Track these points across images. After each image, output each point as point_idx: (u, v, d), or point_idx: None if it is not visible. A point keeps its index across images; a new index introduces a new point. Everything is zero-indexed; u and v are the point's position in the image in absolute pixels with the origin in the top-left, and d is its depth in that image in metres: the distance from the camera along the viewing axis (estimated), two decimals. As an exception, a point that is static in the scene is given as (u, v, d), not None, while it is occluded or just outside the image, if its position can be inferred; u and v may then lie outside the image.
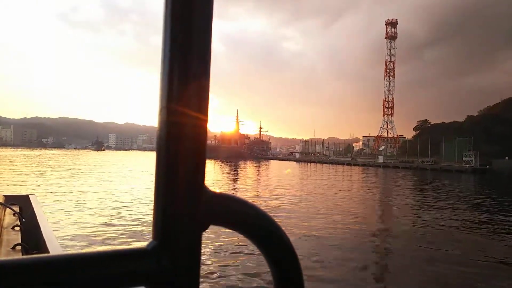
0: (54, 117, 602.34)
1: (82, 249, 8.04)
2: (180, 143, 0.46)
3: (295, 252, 0.56)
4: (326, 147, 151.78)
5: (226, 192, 0.52)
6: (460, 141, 75.64)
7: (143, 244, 0.46)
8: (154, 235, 0.47)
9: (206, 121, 0.47)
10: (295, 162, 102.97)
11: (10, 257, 0.40)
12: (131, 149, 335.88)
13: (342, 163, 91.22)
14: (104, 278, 0.43)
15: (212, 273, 7.79)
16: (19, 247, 2.55)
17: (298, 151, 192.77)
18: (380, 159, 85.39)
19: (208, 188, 0.49)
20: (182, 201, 0.46)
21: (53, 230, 3.14)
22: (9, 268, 0.39)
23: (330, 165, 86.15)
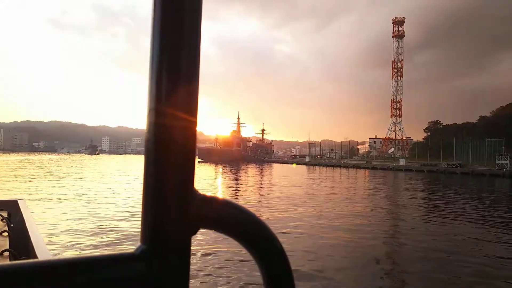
0: (45, 120, 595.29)
1: (72, 255, 7.36)
2: (169, 145, 0.45)
3: (286, 256, 0.55)
4: (331, 150, 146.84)
5: (216, 195, 0.51)
6: (490, 142, 70.81)
7: (131, 248, 0.45)
8: (142, 239, 0.46)
9: (195, 123, 0.46)
10: (304, 166, 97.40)
11: None
12: (125, 152, 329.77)
13: (358, 167, 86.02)
14: (92, 283, 0.42)
15: (202, 276, 7.70)
16: (6, 253, 2.51)
17: (296, 153, 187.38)
18: (402, 162, 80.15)
19: (197, 191, 0.48)
20: (171, 204, 0.45)
21: (43, 236, 3.03)
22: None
23: (343, 169, 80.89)
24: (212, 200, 0.50)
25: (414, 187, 36.98)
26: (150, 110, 0.45)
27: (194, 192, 0.47)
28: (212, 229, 0.50)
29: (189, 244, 0.47)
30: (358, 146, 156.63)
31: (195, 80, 0.46)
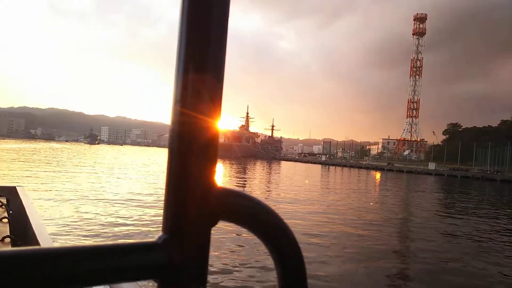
0: (42, 107, 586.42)
1: (75, 242, 8.45)
2: (192, 140, 0.46)
3: (300, 252, 0.56)
4: (342, 149, 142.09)
5: (236, 189, 0.52)
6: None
7: (153, 237, 0.47)
8: (164, 229, 0.48)
9: (218, 119, 0.48)
10: (320, 165, 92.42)
11: (27, 247, 0.40)
12: (125, 143, 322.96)
13: (382, 168, 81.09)
14: (114, 270, 0.44)
15: (219, 267, 7.87)
16: (8, 240, 2.54)
17: (298, 151, 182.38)
18: (431, 166, 75.33)
19: (218, 185, 0.49)
20: (193, 197, 0.47)
21: (43, 222, 3.07)
22: (27, 259, 0.38)
23: (363, 170, 76.03)
24: (232, 194, 0.51)
25: (460, 196, 32.00)
26: (175, 106, 0.47)
27: (215, 185, 0.49)
28: (231, 222, 0.52)
29: (209, 235, 0.48)
30: (369, 147, 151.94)
31: (220, 77, 0.47)
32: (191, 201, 0.47)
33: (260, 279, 7.36)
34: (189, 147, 0.46)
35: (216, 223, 0.49)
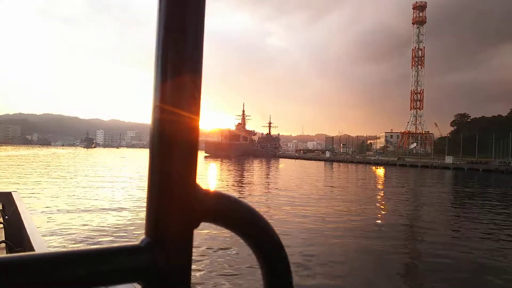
0: (38, 113, 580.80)
1: (69, 247, 8.31)
2: (173, 141, 0.46)
3: (284, 251, 0.56)
4: (343, 145, 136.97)
5: (218, 190, 0.52)
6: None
7: (136, 241, 0.46)
8: (147, 232, 0.47)
9: (198, 119, 0.47)
10: (324, 162, 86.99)
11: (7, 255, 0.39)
12: (120, 146, 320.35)
13: (393, 164, 75.59)
14: (98, 275, 0.43)
15: (203, 268, 7.76)
16: (3, 245, 2.58)
17: (293, 147, 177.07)
18: (448, 160, 69.83)
19: (200, 186, 0.49)
20: (175, 199, 0.46)
21: (38, 227, 3.07)
22: (6, 266, 0.38)
23: (370, 166, 70.75)
24: (214, 195, 0.51)
25: (500, 193, 27.22)
26: (155, 107, 0.46)
27: (197, 186, 0.48)
28: (214, 223, 0.51)
29: (191, 237, 0.48)
30: (370, 141, 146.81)
31: (198, 78, 0.47)
32: (173, 203, 0.46)
33: (244, 280, 7.13)
34: (169, 150, 0.46)
35: (198, 225, 0.49)
